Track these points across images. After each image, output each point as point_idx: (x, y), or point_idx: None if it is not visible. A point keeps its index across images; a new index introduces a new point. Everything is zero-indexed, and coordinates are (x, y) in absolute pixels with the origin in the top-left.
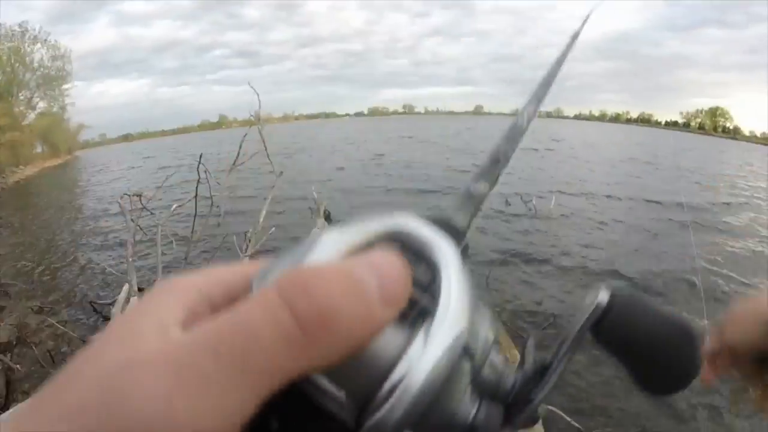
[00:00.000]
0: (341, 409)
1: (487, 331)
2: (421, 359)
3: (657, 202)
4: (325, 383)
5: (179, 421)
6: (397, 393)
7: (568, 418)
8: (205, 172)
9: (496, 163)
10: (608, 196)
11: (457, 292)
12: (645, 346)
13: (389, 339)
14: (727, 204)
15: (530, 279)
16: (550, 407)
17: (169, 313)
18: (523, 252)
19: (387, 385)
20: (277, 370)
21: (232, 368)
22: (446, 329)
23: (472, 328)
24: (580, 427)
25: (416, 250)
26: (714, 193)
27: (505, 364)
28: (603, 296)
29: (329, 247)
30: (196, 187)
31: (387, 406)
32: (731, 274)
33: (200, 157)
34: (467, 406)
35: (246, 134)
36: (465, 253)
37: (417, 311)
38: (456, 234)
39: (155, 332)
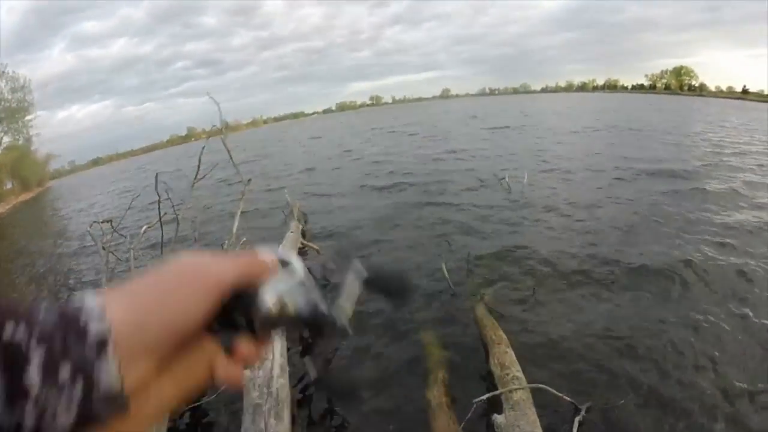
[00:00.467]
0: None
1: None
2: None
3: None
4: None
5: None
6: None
7: (560, 394)
8: (166, 191)
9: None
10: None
11: (299, 265)
12: (387, 287)
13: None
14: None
15: (511, 256)
16: (541, 385)
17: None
18: (500, 232)
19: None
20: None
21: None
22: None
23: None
24: (572, 401)
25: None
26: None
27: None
28: (361, 269)
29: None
30: (158, 208)
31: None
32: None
33: (156, 177)
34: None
35: (204, 147)
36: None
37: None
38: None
39: None
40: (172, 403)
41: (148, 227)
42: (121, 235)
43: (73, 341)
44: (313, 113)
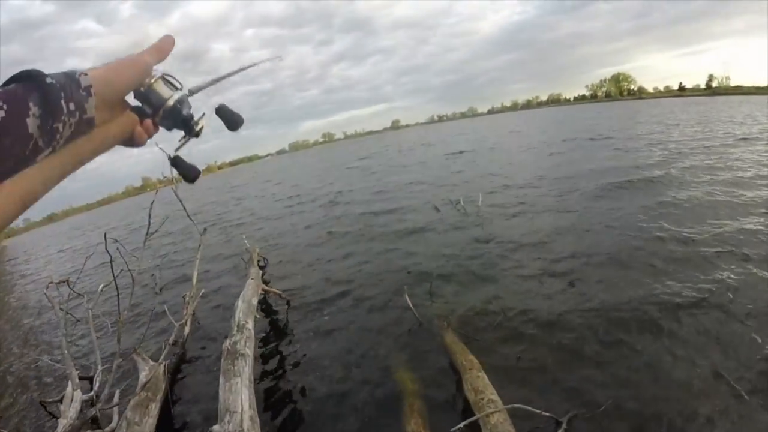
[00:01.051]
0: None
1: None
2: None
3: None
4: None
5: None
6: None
7: (537, 410)
8: (117, 249)
9: None
10: (528, 185)
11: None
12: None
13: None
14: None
15: (475, 279)
16: (517, 405)
17: None
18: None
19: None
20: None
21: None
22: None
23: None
24: (552, 415)
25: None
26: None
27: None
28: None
29: None
30: (111, 268)
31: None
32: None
33: (105, 236)
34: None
35: (153, 201)
36: None
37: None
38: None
39: None
40: (117, 136)
41: (105, 286)
42: (78, 294)
43: (74, 88)
44: (266, 155)
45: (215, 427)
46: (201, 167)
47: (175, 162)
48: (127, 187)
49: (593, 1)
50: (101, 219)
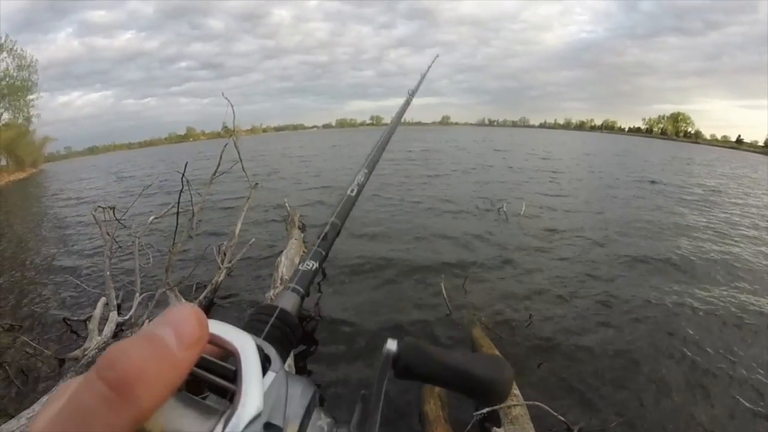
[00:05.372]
0: None
1: (299, 405)
2: None
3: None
4: None
5: None
6: None
7: (555, 413)
8: (187, 182)
9: (324, 240)
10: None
11: (250, 380)
12: (441, 375)
13: (199, 425)
14: None
15: (508, 282)
16: (539, 403)
17: None
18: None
19: None
20: (114, 429)
21: None
22: (241, 414)
23: (274, 407)
24: (565, 421)
25: (223, 347)
26: None
27: (332, 423)
28: (392, 346)
29: None
30: (179, 197)
31: None
32: None
33: (185, 165)
34: None
35: (226, 144)
36: (294, 334)
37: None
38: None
39: None
40: None
41: (157, 218)
42: (122, 224)
43: None
44: (312, 127)
45: None
46: (246, 128)
47: None
48: (170, 133)
49: (664, 34)
50: (143, 158)
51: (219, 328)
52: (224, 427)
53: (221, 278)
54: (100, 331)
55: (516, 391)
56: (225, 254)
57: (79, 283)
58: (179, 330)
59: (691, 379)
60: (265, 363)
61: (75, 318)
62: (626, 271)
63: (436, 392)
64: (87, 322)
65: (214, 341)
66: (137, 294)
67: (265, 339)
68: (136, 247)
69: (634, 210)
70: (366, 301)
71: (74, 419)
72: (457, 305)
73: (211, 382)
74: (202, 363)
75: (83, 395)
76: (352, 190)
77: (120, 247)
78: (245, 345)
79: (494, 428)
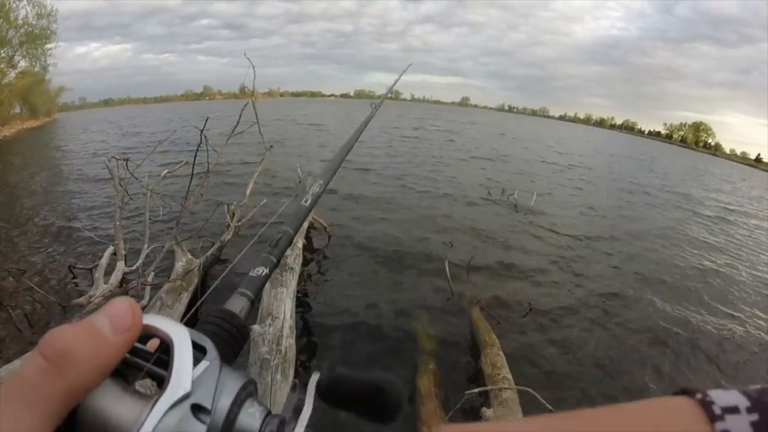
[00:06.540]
0: None
1: (230, 391)
2: (145, 422)
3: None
4: None
5: None
6: None
7: (543, 401)
8: (205, 138)
9: (275, 247)
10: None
11: (179, 366)
12: (352, 400)
13: (131, 407)
14: None
15: (512, 269)
16: (529, 389)
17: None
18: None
19: None
20: (48, 397)
21: (22, 406)
22: (168, 395)
23: (205, 392)
24: (552, 410)
25: (159, 336)
26: None
27: (264, 410)
28: (315, 378)
29: None
30: (196, 152)
31: None
32: None
33: (206, 120)
34: None
35: (247, 104)
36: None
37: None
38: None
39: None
40: None
41: (170, 172)
42: (135, 177)
43: None
44: (330, 95)
45: (256, 326)
46: (263, 90)
47: None
48: (186, 91)
49: (698, 41)
50: (159, 113)
51: (155, 321)
52: (152, 407)
53: (229, 236)
54: (107, 280)
55: (508, 375)
56: (234, 214)
57: (86, 231)
58: (113, 318)
59: (691, 379)
60: (201, 354)
61: (81, 266)
62: (633, 271)
63: (430, 368)
64: (93, 271)
65: (151, 332)
66: (145, 245)
67: (205, 335)
68: (147, 199)
69: (658, 219)
70: (370, 280)
71: (18, 386)
72: (458, 289)
73: (147, 369)
74: (141, 354)
75: (27, 366)
76: (305, 200)
77: (131, 198)
78: (179, 335)
79: (483, 408)
